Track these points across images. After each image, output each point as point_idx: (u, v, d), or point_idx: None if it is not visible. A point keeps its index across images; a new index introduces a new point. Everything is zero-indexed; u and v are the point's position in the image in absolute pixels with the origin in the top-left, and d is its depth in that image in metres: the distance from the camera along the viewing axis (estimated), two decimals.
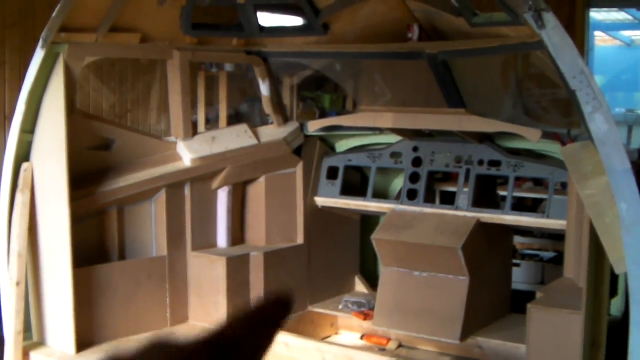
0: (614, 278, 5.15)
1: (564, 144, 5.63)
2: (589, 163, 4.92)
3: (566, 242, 5.90)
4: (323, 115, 10.56)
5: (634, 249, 4.10)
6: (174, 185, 6.37)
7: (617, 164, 4.20)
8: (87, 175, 5.96)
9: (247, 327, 1.10)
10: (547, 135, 5.98)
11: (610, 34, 17.68)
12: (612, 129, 4.30)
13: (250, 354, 1.08)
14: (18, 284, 5.68)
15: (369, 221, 7.41)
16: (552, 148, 6.13)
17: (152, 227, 6.36)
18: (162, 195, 6.31)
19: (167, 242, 6.35)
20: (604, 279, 4.88)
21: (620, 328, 4.98)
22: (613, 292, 5.50)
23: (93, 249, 6.02)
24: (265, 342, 1.11)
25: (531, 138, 6.02)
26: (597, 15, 14.72)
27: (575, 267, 5.65)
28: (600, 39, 17.03)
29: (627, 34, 17.86)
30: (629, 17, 15.44)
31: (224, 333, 1.08)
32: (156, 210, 6.34)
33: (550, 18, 4.41)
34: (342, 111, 11.02)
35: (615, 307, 5.88)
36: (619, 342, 4.42)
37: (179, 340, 1.05)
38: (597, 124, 4.31)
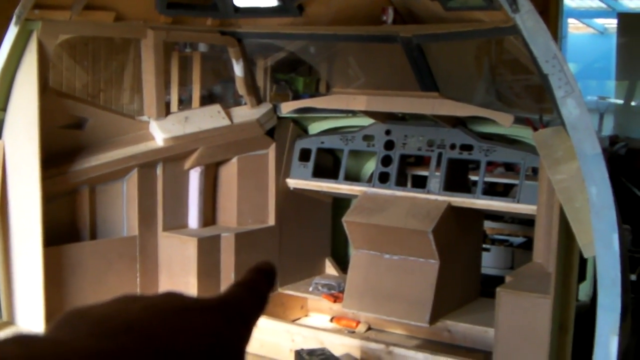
0: (582, 263, 5.18)
1: (535, 129, 5.64)
2: (560, 148, 4.94)
3: (536, 227, 5.93)
4: (296, 97, 10.55)
5: (603, 233, 4.13)
6: (146, 165, 6.35)
7: (588, 148, 4.22)
8: (59, 153, 5.94)
9: (244, 296, 1.12)
10: (519, 120, 6.00)
11: (583, 21, 17.78)
12: (583, 114, 4.32)
13: (248, 322, 1.09)
14: None
15: (340, 204, 7.43)
16: (524, 133, 6.15)
17: (123, 206, 6.34)
18: (134, 175, 6.29)
19: (138, 222, 6.34)
20: (573, 264, 4.90)
21: (588, 312, 5.01)
22: (581, 277, 5.53)
23: (64, 228, 6.00)
24: (257, 313, 1.12)
25: (503, 123, 6.04)
26: (571, 2, 14.79)
27: (544, 252, 5.68)
28: (573, 27, 17.13)
29: (600, 21, 17.96)
30: (603, 5, 15.52)
31: (226, 299, 1.10)
32: (128, 190, 6.32)
33: (524, 2, 4.42)
34: (315, 94, 11.03)
35: (584, 291, 5.92)
36: (587, 326, 4.45)
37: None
38: (569, 109, 4.33)
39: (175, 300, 1.05)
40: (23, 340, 0.90)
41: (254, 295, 1.13)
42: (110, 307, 1.00)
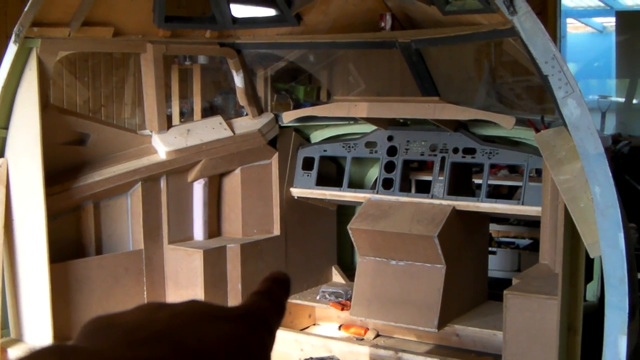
0: (589, 263, 5.17)
1: (537, 130, 5.64)
2: (562, 149, 4.94)
3: (541, 228, 5.93)
4: (297, 106, 10.55)
5: (608, 232, 4.12)
6: (150, 179, 6.35)
7: (591, 148, 4.22)
8: (62, 170, 5.94)
9: (265, 305, 1.15)
10: (520, 122, 5.99)
11: (582, 20, 17.78)
12: (584, 113, 4.32)
13: (271, 330, 1.12)
14: None
15: (345, 211, 7.42)
16: (526, 135, 6.15)
17: (128, 221, 6.34)
18: (137, 189, 6.29)
19: (143, 235, 6.33)
20: (579, 264, 4.90)
21: (596, 313, 5.01)
22: (588, 278, 5.52)
23: (69, 244, 6.00)
24: (278, 321, 1.15)
25: (505, 125, 6.04)
26: (569, 2, 14.79)
27: (551, 253, 5.67)
28: (572, 26, 17.11)
29: (599, 20, 17.95)
30: (601, 4, 15.51)
31: (249, 309, 1.12)
32: (132, 204, 6.32)
33: (521, 4, 4.43)
34: (316, 102, 11.02)
35: (591, 292, 5.91)
36: (596, 326, 4.44)
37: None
38: (570, 109, 4.33)
39: (201, 308, 1.07)
40: (59, 350, 0.91)
41: (273, 304, 1.15)
42: (138, 315, 1.01)
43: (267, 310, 1.12)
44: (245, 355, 1.01)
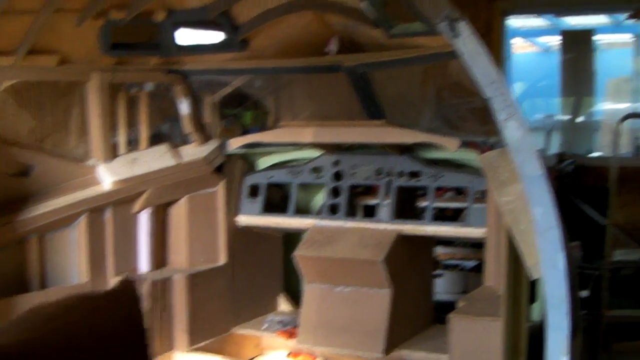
0: (533, 284, 5.20)
1: (481, 152, 5.68)
2: (505, 170, 4.98)
3: (486, 250, 5.97)
4: (245, 132, 10.50)
5: (548, 253, 4.14)
6: (95, 210, 6.29)
7: (531, 170, 4.24)
8: (5, 202, 5.87)
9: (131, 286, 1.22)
10: (465, 144, 6.04)
11: (528, 40, 17.94)
12: (525, 136, 4.34)
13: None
14: None
15: (291, 238, 7.36)
16: (470, 157, 6.19)
17: (73, 253, 6.25)
18: (83, 221, 6.22)
19: (89, 268, 6.25)
20: (522, 285, 4.94)
21: (541, 333, 5.03)
22: (533, 298, 5.55)
23: (13, 279, 5.90)
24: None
25: (449, 147, 6.08)
26: (515, 22, 14.92)
27: (495, 275, 5.70)
28: (518, 46, 17.25)
29: (544, 39, 18.12)
30: (546, 23, 15.67)
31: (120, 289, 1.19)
32: (77, 236, 6.24)
33: (463, 27, 4.45)
34: (264, 127, 10.99)
35: (537, 312, 5.94)
36: (541, 347, 4.46)
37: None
38: (511, 131, 4.35)
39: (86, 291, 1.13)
40: None
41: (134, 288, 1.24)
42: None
43: (134, 290, 1.20)
44: (125, 322, 1.07)
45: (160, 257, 6.80)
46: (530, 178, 4.26)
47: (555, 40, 15.78)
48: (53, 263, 6.15)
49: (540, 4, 12.08)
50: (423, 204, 6.71)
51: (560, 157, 10.88)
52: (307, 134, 6.60)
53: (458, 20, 4.46)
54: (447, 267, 8.81)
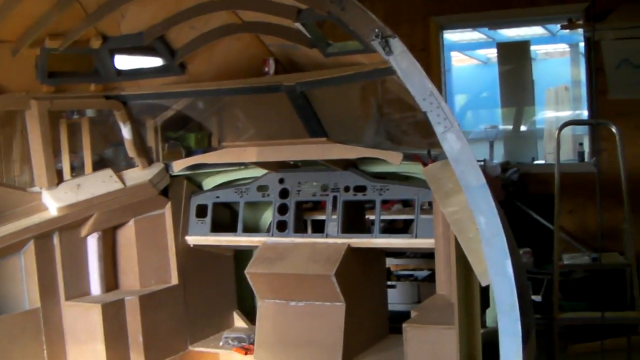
0: (485, 290, 5.25)
1: (425, 164, 5.73)
2: (449, 181, 5.03)
3: (436, 260, 6.02)
4: (189, 154, 10.51)
5: (495, 260, 4.19)
6: (42, 236, 6.26)
7: (472, 180, 4.28)
8: None
9: None
10: (408, 157, 6.09)
11: (466, 53, 18.10)
12: (464, 147, 4.38)
13: None
14: None
15: (242, 256, 7.39)
16: (414, 169, 6.25)
17: (22, 280, 6.21)
18: (30, 247, 6.19)
19: (39, 293, 6.22)
20: (474, 293, 4.98)
21: (496, 338, 5.08)
22: (486, 304, 5.61)
23: None
24: None
25: (392, 161, 6.14)
26: (452, 36, 15.06)
27: (447, 284, 5.75)
28: (457, 59, 17.42)
29: (482, 52, 18.31)
30: (483, 36, 15.83)
31: None
32: (25, 263, 6.21)
33: (396, 44, 4.48)
34: (208, 149, 10.98)
35: (491, 318, 5.99)
36: (497, 352, 4.50)
37: None
38: (450, 143, 4.39)
39: None
40: None
41: None
42: None
43: None
44: None
45: (111, 280, 6.79)
46: (472, 188, 4.30)
47: (492, 53, 15.94)
48: (3, 290, 6.12)
49: (475, 18, 12.19)
50: (372, 217, 6.76)
51: (505, 166, 10.99)
52: (250, 154, 6.63)
53: (390, 37, 4.49)
54: (400, 277, 8.87)
